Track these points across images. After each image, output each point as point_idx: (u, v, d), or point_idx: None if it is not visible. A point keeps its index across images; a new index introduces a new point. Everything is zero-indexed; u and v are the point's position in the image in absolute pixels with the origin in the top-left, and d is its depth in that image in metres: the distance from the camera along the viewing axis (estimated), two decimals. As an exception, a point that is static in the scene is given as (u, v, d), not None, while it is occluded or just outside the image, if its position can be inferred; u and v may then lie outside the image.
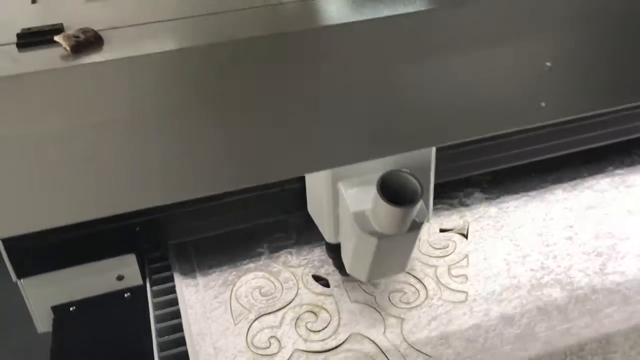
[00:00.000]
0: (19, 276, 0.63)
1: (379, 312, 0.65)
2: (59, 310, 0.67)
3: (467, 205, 0.78)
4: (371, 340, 0.62)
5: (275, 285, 0.68)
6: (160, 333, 0.64)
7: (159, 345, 0.63)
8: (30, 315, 0.67)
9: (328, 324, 0.64)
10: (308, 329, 0.64)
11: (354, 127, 0.48)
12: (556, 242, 0.73)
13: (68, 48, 0.43)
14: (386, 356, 0.61)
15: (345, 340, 0.62)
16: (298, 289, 0.68)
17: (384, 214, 0.53)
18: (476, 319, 0.64)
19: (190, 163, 0.46)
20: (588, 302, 0.65)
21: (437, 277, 0.69)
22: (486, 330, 0.63)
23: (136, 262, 0.69)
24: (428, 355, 0.60)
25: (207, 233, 0.71)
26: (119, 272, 0.68)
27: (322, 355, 0.61)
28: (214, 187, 0.48)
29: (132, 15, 0.50)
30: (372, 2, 0.47)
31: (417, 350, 0.61)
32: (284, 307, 0.66)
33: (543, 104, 0.52)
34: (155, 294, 0.69)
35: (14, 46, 0.45)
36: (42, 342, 0.66)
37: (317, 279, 0.70)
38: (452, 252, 0.72)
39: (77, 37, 0.44)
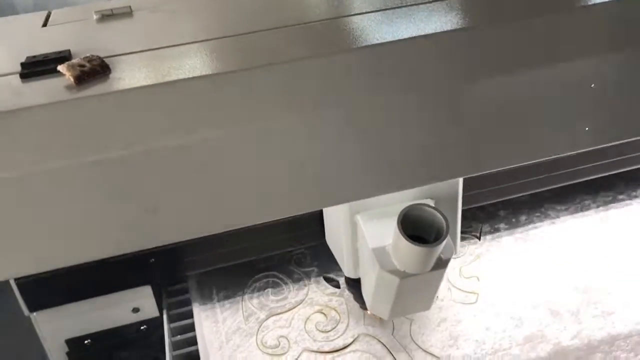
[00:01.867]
0: (31, 310, 0.61)
1: None
2: (73, 344, 0.64)
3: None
4: (379, 341, 0.60)
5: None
6: None
7: None
8: (44, 349, 0.65)
9: (337, 324, 0.62)
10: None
11: (375, 158, 0.45)
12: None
13: (72, 78, 0.40)
14: (394, 357, 0.59)
15: (354, 341, 0.60)
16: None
17: (405, 252, 0.49)
18: (486, 321, 0.61)
19: (206, 198, 0.43)
20: (600, 304, 0.62)
21: (447, 278, 0.65)
22: (495, 331, 0.60)
23: (152, 294, 0.65)
24: (436, 357, 0.58)
25: (225, 263, 0.68)
26: (135, 304, 0.65)
27: (330, 356, 0.59)
28: (232, 221, 0.45)
29: (147, 36, 0.47)
30: (399, 20, 0.44)
31: (425, 351, 0.59)
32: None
33: (587, 128, 0.48)
34: (172, 328, 0.65)
35: (18, 76, 0.43)
36: None
37: (328, 280, 0.67)
38: (464, 254, 0.69)
39: (82, 66, 0.41)
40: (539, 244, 0.70)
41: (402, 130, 0.45)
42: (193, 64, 0.42)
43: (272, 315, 0.64)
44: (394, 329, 0.61)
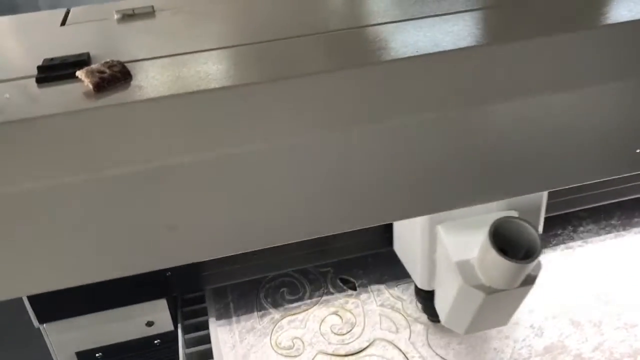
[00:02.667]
0: (41, 321, 0.58)
1: (405, 318, 0.62)
2: (84, 357, 0.62)
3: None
4: (395, 346, 0.59)
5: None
6: None
7: None
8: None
9: (353, 327, 0.62)
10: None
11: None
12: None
13: (91, 85, 0.38)
14: None
15: (370, 345, 0.60)
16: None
17: (495, 267, 0.46)
18: (505, 329, 0.60)
19: (248, 212, 0.40)
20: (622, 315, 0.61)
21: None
22: (515, 340, 0.59)
23: (167, 308, 0.63)
24: None
25: (243, 278, 0.64)
26: (149, 317, 0.62)
27: (345, 359, 0.59)
28: (281, 237, 0.42)
29: (170, 40, 0.45)
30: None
31: (442, 358, 0.58)
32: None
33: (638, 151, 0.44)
34: (187, 341, 0.63)
35: (34, 80, 0.40)
36: None
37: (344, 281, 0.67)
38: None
39: (102, 72, 0.38)
40: (561, 254, 0.68)
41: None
42: (219, 73, 0.39)
43: (287, 316, 0.63)
44: (410, 334, 0.61)
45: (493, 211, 0.49)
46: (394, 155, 0.40)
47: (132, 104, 0.36)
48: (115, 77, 0.38)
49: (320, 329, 0.62)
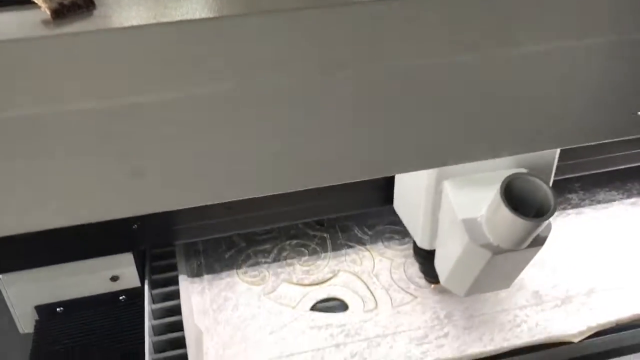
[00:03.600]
0: (-1, 271, 0.56)
1: (370, 253, 0.65)
2: (44, 311, 0.59)
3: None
4: (358, 277, 0.62)
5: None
6: (157, 346, 0.56)
7: (153, 328, 0.57)
8: (11, 314, 0.59)
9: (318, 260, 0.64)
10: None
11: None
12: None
13: (49, 12, 0.34)
14: (372, 293, 0.60)
15: (334, 276, 0.63)
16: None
17: (505, 225, 0.44)
18: None
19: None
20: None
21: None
22: None
23: (133, 262, 0.59)
24: (413, 295, 0.60)
25: (215, 234, 0.62)
26: (114, 272, 0.59)
27: (310, 288, 0.61)
28: (290, 184, 0.40)
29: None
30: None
31: (404, 290, 0.61)
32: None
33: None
34: (155, 298, 0.61)
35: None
36: (24, 344, 0.58)
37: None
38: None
39: (61, -3, 0.35)
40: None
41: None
42: (192, 7, 0.36)
43: (254, 247, 0.65)
44: (374, 267, 0.63)
45: (502, 169, 0.47)
46: (398, 102, 0.37)
47: (95, 33, 0.33)
48: (76, 4, 0.35)
49: (286, 260, 0.65)
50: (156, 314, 0.59)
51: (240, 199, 0.39)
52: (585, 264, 0.63)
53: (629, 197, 0.72)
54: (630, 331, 0.57)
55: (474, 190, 0.47)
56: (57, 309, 0.59)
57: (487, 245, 0.46)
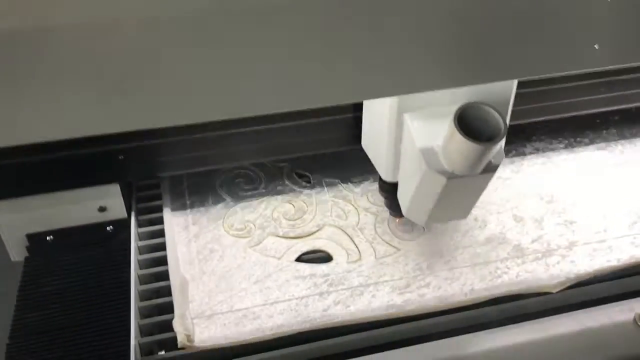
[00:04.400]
0: (-9, 198, 0.57)
1: (356, 207, 0.66)
2: (35, 239, 0.62)
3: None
4: (343, 231, 0.63)
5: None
6: (142, 277, 0.59)
7: (139, 279, 0.58)
8: (2, 242, 0.62)
9: (304, 214, 0.66)
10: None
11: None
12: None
13: None
14: (356, 246, 0.62)
15: (319, 230, 0.64)
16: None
17: (458, 150, 0.46)
18: (446, 224, 0.64)
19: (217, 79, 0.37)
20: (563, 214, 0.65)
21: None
22: (458, 230, 0.63)
23: (120, 194, 0.62)
24: (396, 248, 0.62)
25: (199, 167, 0.64)
26: (101, 202, 0.62)
27: (295, 241, 0.62)
28: (249, 108, 0.39)
29: None
30: None
31: (387, 243, 0.62)
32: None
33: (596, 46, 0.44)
34: (140, 223, 0.64)
35: None
36: (16, 271, 0.60)
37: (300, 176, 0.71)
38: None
39: None
40: (512, 160, 0.73)
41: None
42: None
43: (241, 202, 0.66)
44: (359, 221, 0.65)
45: (461, 101, 0.48)
46: (365, 25, 0.37)
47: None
48: None
49: (272, 214, 0.66)
50: (142, 250, 0.61)
51: (221, 119, 0.39)
52: (568, 218, 0.64)
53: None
54: (608, 282, 0.58)
55: (432, 122, 0.50)
56: (48, 238, 0.62)
57: (442, 172, 0.48)
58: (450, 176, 0.48)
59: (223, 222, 0.64)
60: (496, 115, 0.46)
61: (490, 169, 0.49)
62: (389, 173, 0.57)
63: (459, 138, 0.45)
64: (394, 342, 0.53)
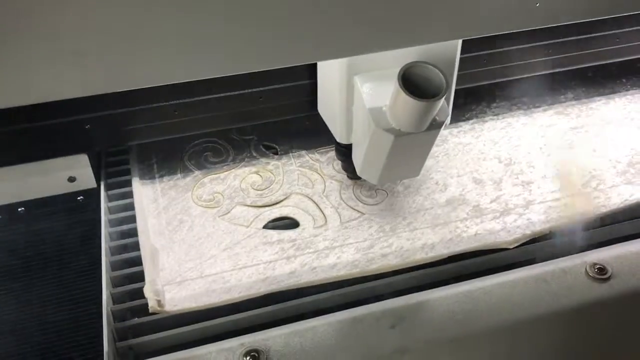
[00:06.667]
0: (-41, 171, 0.58)
1: (322, 176, 0.68)
2: (6, 211, 0.63)
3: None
4: (310, 198, 0.65)
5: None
6: (113, 250, 0.60)
7: (110, 249, 0.59)
8: None
9: (271, 184, 0.67)
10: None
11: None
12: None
13: None
14: (322, 212, 0.63)
15: (286, 198, 0.65)
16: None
17: (403, 108, 0.48)
18: (411, 185, 0.66)
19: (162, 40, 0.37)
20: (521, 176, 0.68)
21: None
22: (420, 194, 0.65)
23: (89, 164, 0.63)
24: (361, 213, 0.63)
25: (165, 135, 0.65)
26: (70, 173, 0.63)
27: (263, 209, 0.64)
28: (195, 72, 0.40)
29: None
30: None
31: (352, 208, 0.64)
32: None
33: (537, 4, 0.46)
34: (110, 197, 0.65)
35: None
36: None
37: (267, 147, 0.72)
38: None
39: None
40: (472, 126, 0.75)
41: None
42: None
43: (209, 175, 0.68)
44: (325, 189, 0.67)
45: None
46: None
47: None
48: None
49: (240, 185, 0.67)
50: (112, 210, 0.63)
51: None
52: (526, 179, 0.67)
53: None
54: (561, 237, 0.61)
55: (381, 83, 0.52)
56: (19, 209, 0.63)
57: (389, 130, 0.50)
58: (398, 134, 0.50)
59: (191, 194, 0.66)
60: (439, 73, 0.48)
61: (436, 125, 0.51)
62: (343, 135, 0.59)
63: (403, 96, 0.47)
64: (358, 301, 0.55)
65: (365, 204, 0.65)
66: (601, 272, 0.55)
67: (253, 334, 0.50)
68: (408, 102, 0.47)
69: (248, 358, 0.48)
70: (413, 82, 0.48)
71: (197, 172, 0.69)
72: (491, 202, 0.64)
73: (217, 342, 0.50)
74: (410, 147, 0.53)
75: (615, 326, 0.55)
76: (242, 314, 0.54)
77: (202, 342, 0.50)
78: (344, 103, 0.56)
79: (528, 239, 0.60)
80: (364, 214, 0.63)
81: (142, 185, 0.67)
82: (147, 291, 0.54)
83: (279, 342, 0.49)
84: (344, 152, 0.61)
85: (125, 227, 0.62)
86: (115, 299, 0.55)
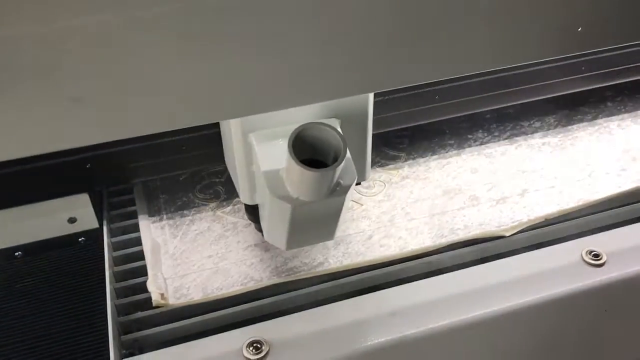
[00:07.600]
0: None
1: None
2: (2, 256, 0.59)
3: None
4: None
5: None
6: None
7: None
8: None
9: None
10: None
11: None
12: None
13: None
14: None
15: None
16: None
17: (297, 178, 0.42)
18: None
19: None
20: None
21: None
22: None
23: (90, 203, 0.59)
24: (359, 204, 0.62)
25: (171, 172, 0.62)
26: (71, 214, 0.59)
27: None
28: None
29: None
30: None
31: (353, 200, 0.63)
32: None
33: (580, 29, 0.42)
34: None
35: None
36: None
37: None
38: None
39: None
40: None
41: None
42: None
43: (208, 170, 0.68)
44: None
45: (311, 119, 0.45)
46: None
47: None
48: None
49: None
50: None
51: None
52: (521, 170, 0.68)
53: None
54: (556, 225, 0.62)
55: (278, 143, 0.46)
56: (16, 254, 0.59)
57: (286, 198, 0.44)
58: (296, 203, 0.44)
59: (192, 189, 0.67)
60: (334, 135, 0.42)
61: (340, 191, 0.44)
62: (246, 195, 0.51)
63: (294, 165, 0.41)
64: (361, 290, 0.56)
65: (362, 194, 0.65)
66: (596, 258, 0.56)
67: (256, 325, 0.51)
68: (300, 172, 0.41)
69: (251, 349, 0.49)
70: (309, 145, 0.42)
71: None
72: (488, 191, 0.65)
73: (220, 333, 0.51)
74: (313, 214, 0.46)
75: (609, 311, 0.56)
76: (244, 305, 0.54)
77: (206, 334, 0.51)
78: (242, 162, 0.49)
79: (524, 227, 0.61)
80: (362, 205, 0.64)
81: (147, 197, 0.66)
82: (150, 285, 0.55)
83: (281, 333, 0.50)
84: (252, 212, 0.53)
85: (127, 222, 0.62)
86: (120, 294, 0.56)
